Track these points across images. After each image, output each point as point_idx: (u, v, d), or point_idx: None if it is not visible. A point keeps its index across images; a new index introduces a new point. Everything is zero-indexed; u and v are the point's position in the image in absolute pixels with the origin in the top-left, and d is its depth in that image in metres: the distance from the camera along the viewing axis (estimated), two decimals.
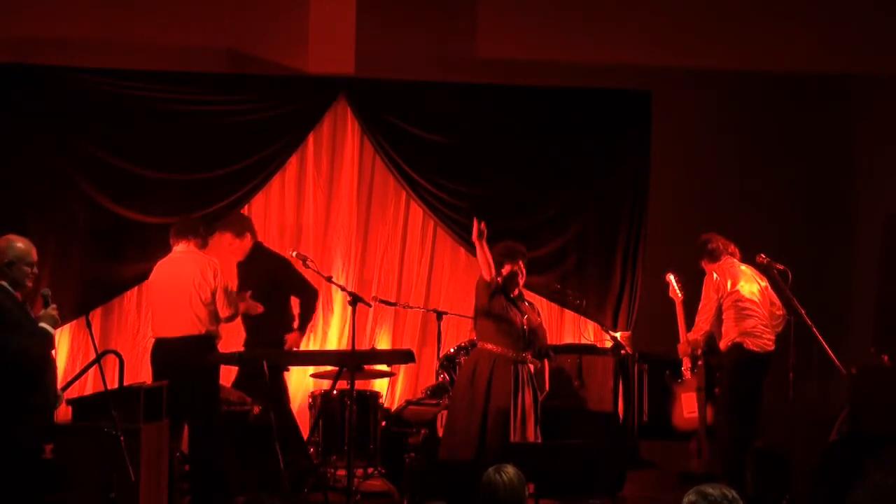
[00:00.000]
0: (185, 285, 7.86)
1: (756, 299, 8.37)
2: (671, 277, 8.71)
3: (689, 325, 8.55)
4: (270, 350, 8.52)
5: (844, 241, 10.50)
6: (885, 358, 8.94)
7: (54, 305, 6.33)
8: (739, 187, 10.36)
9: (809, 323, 7.82)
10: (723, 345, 8.41)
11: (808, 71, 10.10)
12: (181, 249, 7.98)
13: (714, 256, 8.51)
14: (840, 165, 10.52)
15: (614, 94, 9.63)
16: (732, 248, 8.52)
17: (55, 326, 6.31)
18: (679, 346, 8.62)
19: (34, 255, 6.32)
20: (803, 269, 8.05)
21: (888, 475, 4.45)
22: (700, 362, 8.68)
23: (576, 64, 9.76)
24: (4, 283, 6.19)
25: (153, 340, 7.97)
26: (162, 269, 8.00)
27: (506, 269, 7.77)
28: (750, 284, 8.40)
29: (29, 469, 6.23)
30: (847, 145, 10.53)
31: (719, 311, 8.37)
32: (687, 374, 8.68)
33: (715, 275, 8.39)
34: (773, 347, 8.28)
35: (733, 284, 8.37)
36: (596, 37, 9.84)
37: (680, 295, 8.66)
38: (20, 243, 6.28)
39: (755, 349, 8.29)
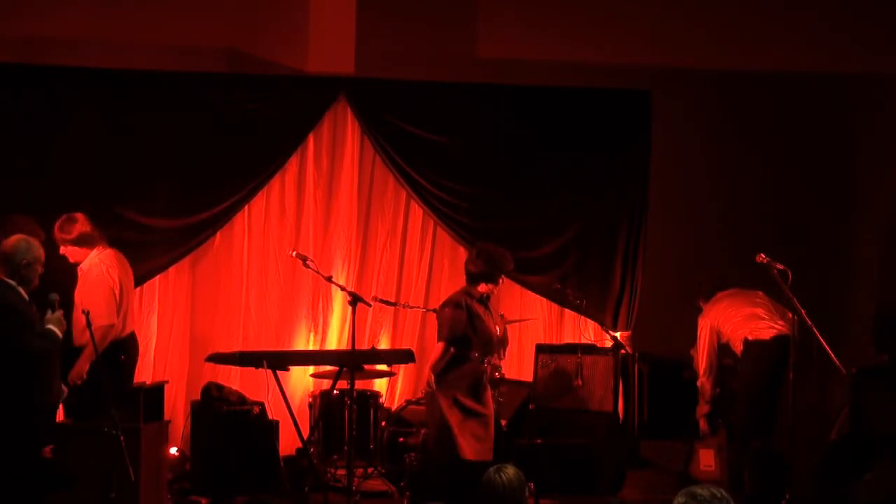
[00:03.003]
0: (133, 283, 8.05)
1: (749, 302, 8.54)
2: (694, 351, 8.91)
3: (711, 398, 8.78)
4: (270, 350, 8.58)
5: (844, 241, 10.50)
6: (885, 358, 8.95)
7: (61, 311, 6.40)
8: (739, 187, 10.36)
9: (809, 323, 7.82)
10: (738, 349, 8.55)
11: (809, 71, 10.10)
12: (107, 247, 7.89)
13: (708, 295, 8.81)
14: (840, 165, 10.52)
15: (614, 93, 9.63)
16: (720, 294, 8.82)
17: (61, 331, 6.36)
18: (698, 408, 8.76)
19: (43, 255, 6.41)
20: (803, 269, 8.04)
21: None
22: (720, 423, 8.79)
23: (576, 64, 9.75)
24: (14, 283, 6.25)
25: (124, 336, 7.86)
26: (123, 266, 7.89)
27: (482, 289, 7.89)
28: (740, 298, 8.68)
29: (32, 468, 6.25)
30: (847, 145, 10.53)
31: (718, 341, 8.65)
32: (706, 432, 8.74)
33: (704, 322, 8.71)
34: (786, 331, 8.29)
35: (721, 310, 8.68)
36: (596, 37, 9.83)
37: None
38: (36, 244, 6.40)
39: (762, 337, 8.39)
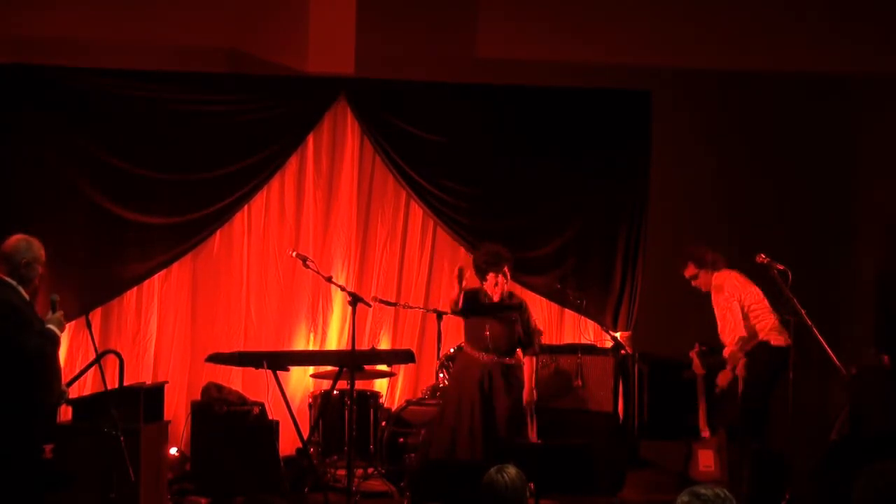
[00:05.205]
0: None
1: (773, 309, 8.49)
2: (695, 353, 8.75)
3: (709, 399, 8.68)
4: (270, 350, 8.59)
5: (844, 241, 10.50)
6: (885, 358, 8.95)
7: (61, 311, 6.41)
8: (739, 187, 10.36)
9: (809, 323, 7.81)
10: (748, 347, 8.48)
11: (808, 71, 10.10)
12: None
13: (716, 266, 8.59)
14: (840, 165, 10.52)
15: (614, 94, 9.62)
16: (721, 258, 8.64)
17: (61, 330, 6.37)
18: (721, 374, 8.63)
19: (44, 255, 6.41)
20: (803, 269, 8.04)
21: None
22: (719, 426, 8.75)
23: (576, 64, 9.76)
24: (14, 283, 6.26)
25: None
26: None
27: (489, 279, 7.89)
28: (754, 287, 8.49)
29: (32, 468, 6.25)
30: (847, 145, 10.53)
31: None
32: (705, 434, 8.70)
33: (727, 287, 8.46)
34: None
35: (745, 288, 8.48)
36: (595, 37, 9.83)
37: (703, 370, 8.70)
38: (36, 244, 6.40)
39: (783, 344, 8.32)
